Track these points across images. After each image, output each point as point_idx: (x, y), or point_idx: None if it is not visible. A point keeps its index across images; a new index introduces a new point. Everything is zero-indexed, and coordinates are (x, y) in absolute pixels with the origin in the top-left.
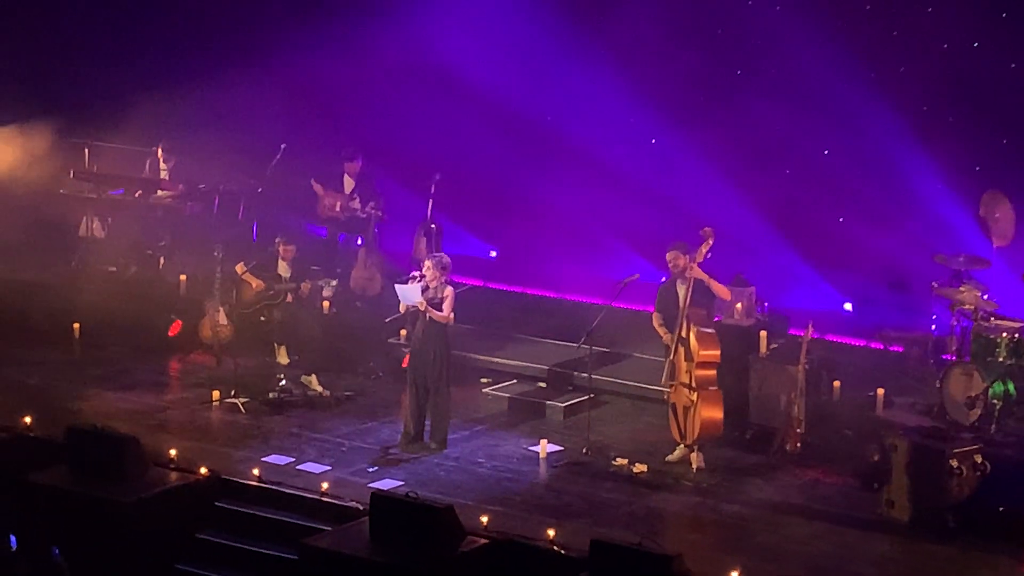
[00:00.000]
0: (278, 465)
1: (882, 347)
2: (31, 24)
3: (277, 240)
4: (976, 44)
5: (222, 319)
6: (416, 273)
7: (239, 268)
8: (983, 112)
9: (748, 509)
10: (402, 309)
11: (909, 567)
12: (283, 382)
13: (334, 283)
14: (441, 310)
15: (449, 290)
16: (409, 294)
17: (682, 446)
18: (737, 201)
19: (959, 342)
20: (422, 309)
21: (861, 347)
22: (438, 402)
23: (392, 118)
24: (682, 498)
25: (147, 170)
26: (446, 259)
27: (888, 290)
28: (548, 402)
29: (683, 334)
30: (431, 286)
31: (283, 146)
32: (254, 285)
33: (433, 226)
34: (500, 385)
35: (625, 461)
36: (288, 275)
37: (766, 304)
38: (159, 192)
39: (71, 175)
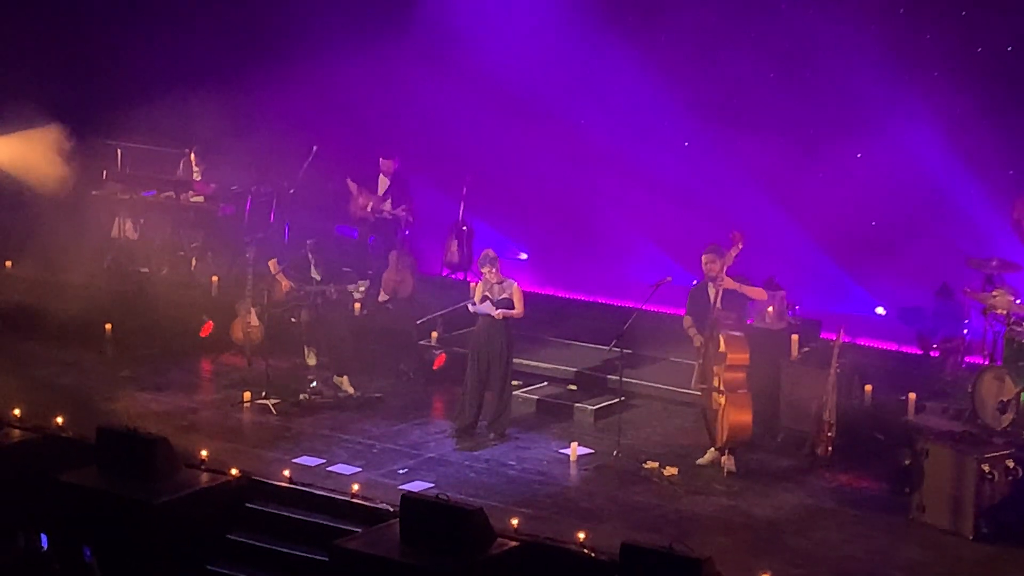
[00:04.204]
0: (309, 466)
1: (920, 352)
2: (65, 26)
3: (308, 243)
4: (1010, 48)
5: (254, 320)
6: (479, 290)
7: (272, 265)
8: (1017, 116)
9: (779, 513)
10: (474, 307)
11: (940, 572)
12: (314, 383)
13: (364, 285)
14: (511, 307)
15: (515, 285)
16: (486, 309)
17: (713, 449)
18: (769, 204)
19: (991, 346)
20: (500, 317)
21: (892, 351)
22: (503, 395)
23: (425, 120)
24: (713, 501)
25: (180, 171)
26: (490, 253)
27: (935, 297)
28: (579, 405)
29: (713, 337)
30: (497, 282)
31: (315, 148)
32: (284, 286)
33: (464, 228)
34: (531, 387)
35: (656, 464)
36: (319, 278)
37: (797, 308)
38: (190, 193)
39: (104, 176)
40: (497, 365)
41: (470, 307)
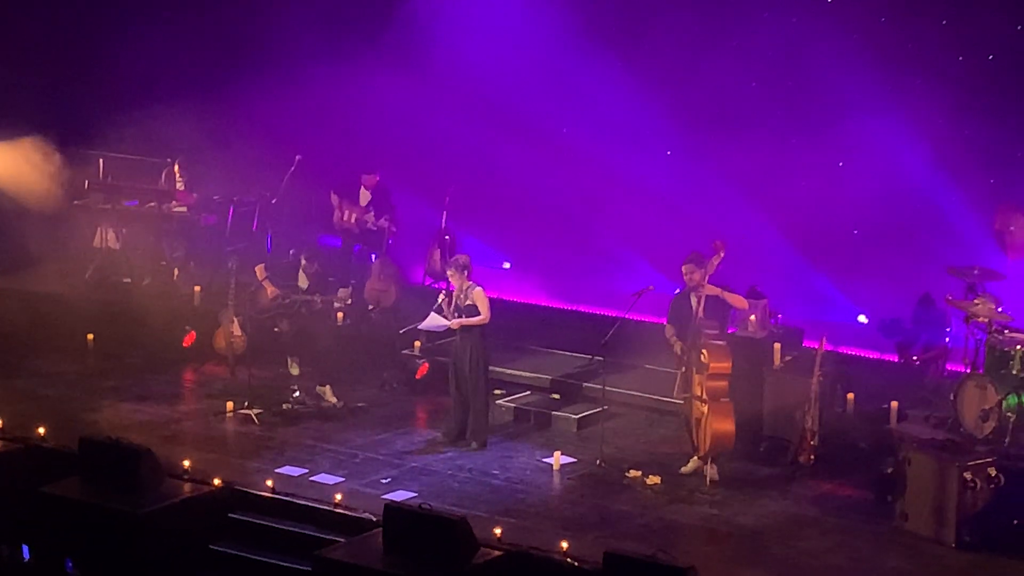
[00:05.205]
0: (292, 476)
1: (898, 360)
2: (47, 37)
3: (293, 253)
4: (991, 57)
5: (236, 330)
6: (442, 297)
7: (259, 271)
8: (998, 124)
9: (762, 521)
10: (453, 325)
11: None
12: (297, 393)
13: (346, 293)
14: (477, 314)
15: (477, 290)
16: (437, 324)
17: (696, 458)
18: (752, 213)
19: (973, 355)
20: (456, 327)
21: (875, 359)
22: (476, 403)
23: (407, 129)
24: (696, 510)
25: (163, 181)
26: (462, 259)
27: (917, 305)
28: (561, 414)
29: (695, 346)
30: (462, 289)
31: (298, 158)
32: (269, 292)
33: (447, 237)
34: (513, 396)
35: (639, 473)
36: (306, 287)
37: (780, 316)
38: (173, 203)
39: (86, 186)
40: (471, 374)
41: (420, 326)
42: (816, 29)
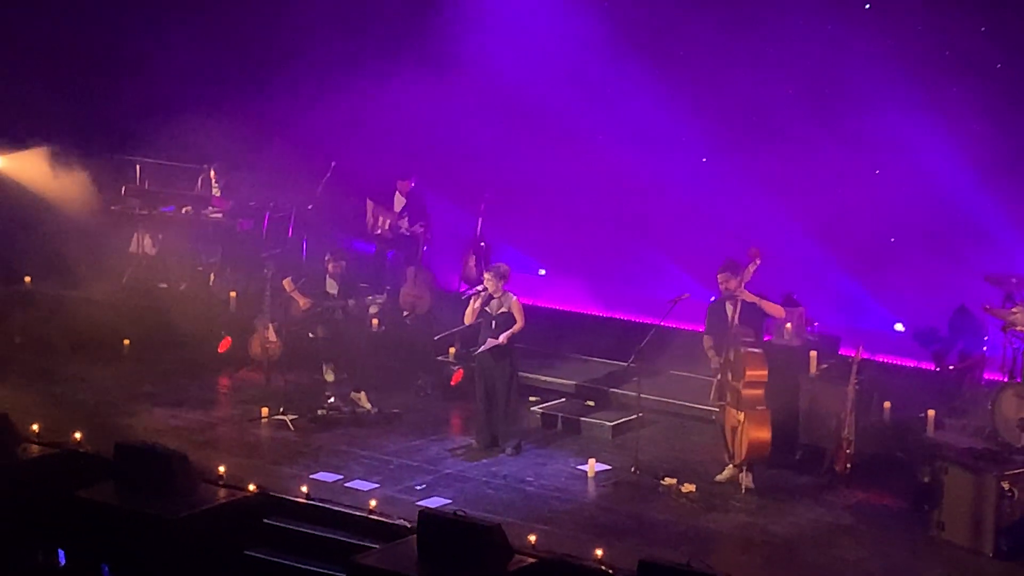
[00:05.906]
0: (326, 482)
1: (935, 368)
2: (84, 43)
3: (327, 257)
4: None
5: (272, 336)
6: (479, 288)
7: (287, 284)
8: None
9: (797, 530)
10: (467, 321)
11: None
12: (331, 399)
13: (381, 299)
14: (512, 322)
15: (513, 298)
16: (490, 345)
17: (731, 466)
18: (788, 220)
19: (1011, 363)
20: (504, 341)
21: (911, 368)
22: (507, 409)
23: (443, 137)
24: (731, 518)
25: (199, 187)
26: (503, 268)
27: (954, 314)
28: (596, 420)
29: (731, 354)
30: (495, 297)
31: (333, 164)
32: (301, 303)
33: (483, 244)
34: (548, 403)
35: (674, 481)
36: (336, 292)
37: (816, 324)
38: (209, 208)
39: (123, 192)
40: (500, 381)
41: (475, 352)
42: (852, 35)
